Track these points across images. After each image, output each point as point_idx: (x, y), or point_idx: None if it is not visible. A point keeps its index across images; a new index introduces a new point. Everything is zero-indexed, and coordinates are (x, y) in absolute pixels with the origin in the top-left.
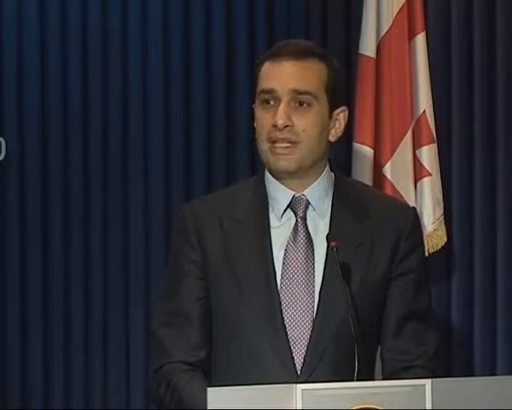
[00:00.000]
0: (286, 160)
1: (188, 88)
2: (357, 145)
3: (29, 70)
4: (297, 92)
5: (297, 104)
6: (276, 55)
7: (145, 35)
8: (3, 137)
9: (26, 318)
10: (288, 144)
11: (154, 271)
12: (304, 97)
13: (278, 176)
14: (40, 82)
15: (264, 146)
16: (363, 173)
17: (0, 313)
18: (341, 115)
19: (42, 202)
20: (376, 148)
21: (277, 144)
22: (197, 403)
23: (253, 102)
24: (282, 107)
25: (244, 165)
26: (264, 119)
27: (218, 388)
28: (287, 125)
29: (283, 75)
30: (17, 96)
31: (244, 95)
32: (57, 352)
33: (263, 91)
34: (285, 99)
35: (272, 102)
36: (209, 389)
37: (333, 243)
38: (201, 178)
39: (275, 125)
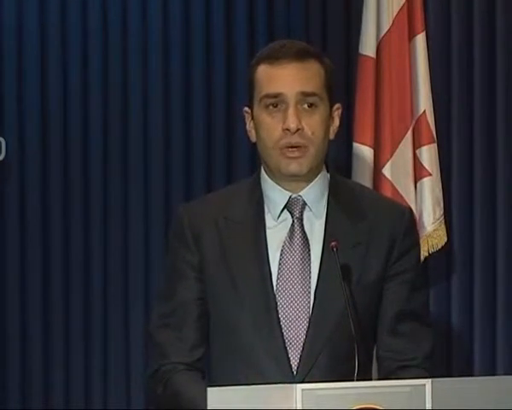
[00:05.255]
0: (298, 163)
1: (188, 88)
2: (357, 145)
3: (29, 70)
4: (304, 94)
5: (305, 106)
6: (275, 58)
7: (145, 35)
8: (3, 137)
9: (26, 318)
10: (300, 148)
11: (153, 271)
12: (311, 99)
13: (289, 179)
14: (40, 82)
15: (273, 151)
16: (362, 173)
17: (0, 313)
18: (337, 113)
19: (42, 201)
20: (376, 148)
21: (289, 149)
22: (195, 402)
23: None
24: (291, 110)
25: (244, 165)
26: (271, 124)
27: (218, 388)
28: (298, 129)
29: (289, 78)
30: (17, 96)
31: (244, 95)
32: (57, 352)
33: (267, 96)
34: (293, 102)
35: (279, 106)
36: (209, 389)
37: (333, 243)
38: (201, 178)
39: (286, 130)
